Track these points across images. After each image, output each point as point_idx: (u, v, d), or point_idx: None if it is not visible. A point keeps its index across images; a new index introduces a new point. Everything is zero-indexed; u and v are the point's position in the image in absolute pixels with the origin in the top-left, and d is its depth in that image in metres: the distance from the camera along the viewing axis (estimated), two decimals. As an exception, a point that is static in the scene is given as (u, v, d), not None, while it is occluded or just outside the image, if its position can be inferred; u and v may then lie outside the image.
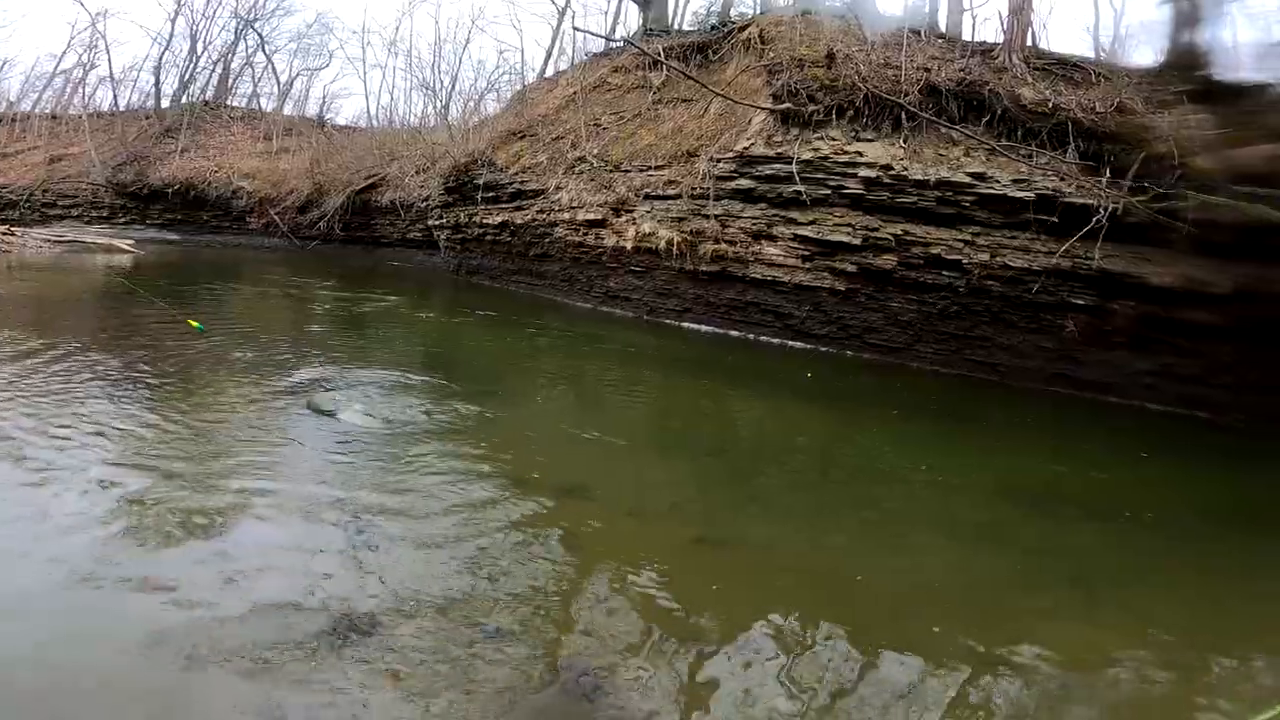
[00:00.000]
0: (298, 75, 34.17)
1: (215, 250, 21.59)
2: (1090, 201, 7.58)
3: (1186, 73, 8.87)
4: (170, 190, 24.36)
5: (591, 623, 2.55)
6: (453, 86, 26.98)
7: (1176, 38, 9.72)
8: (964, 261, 8.24)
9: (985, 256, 8.16)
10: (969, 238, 8.29)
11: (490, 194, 14.78)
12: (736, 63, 12.94)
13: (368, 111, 34.76)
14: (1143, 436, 6.54)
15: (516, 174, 14.44)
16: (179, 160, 25.13)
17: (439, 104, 25.79)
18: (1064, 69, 9.31)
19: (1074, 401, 7.61)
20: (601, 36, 18.59)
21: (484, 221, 15.04)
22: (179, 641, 2.19)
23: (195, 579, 2.57)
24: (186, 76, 29.78)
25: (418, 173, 19.95)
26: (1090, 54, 11.87)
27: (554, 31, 23.58)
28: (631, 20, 21.06)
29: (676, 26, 18.56)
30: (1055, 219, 7.80)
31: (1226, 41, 8.47)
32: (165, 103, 28.86)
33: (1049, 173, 7.93)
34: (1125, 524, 4.08)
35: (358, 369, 6.12)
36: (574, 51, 20.64)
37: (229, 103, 30.22)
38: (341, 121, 30.87)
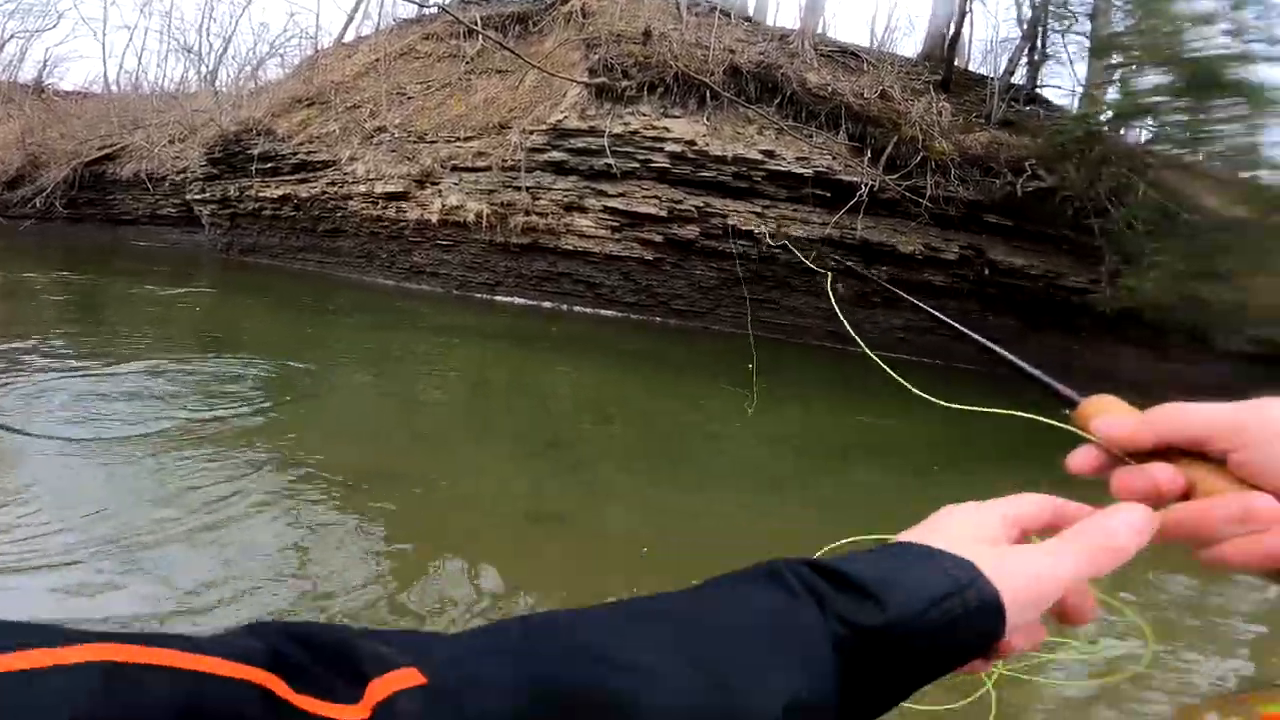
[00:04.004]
0: (11, 38, 30.94)
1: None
2: (855, 179, 9.82)
3: (935, 64, 11.73)
4: None
5: (430, 610, 2.73)
6: (225, 50, 25.96)
7: (932, 31, 12.73)
8: (755, 231, 10.15)
9: (773, 227, 10.13)
10: (760, 210, 10.22)
11: (268, 165, 14.73)
12: (556, 35, 14.34)
13: (105, 76, 31.99)
14: (904, 387, 8.47)
15: (302, 143, 14.59)
16: None
17: (204, 68, 24.72)
18: (844, 56, 11.78)
19: (848, 356, 9.72)
20: (415, 2, 19.18)
21: (260, 195, 14.93)
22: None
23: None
24: None
25: (171, 142, 19.21)
26: (867, 43, 14.87)
27: (360, -7, 23.61)
28: (445, -14, 21.84)
29: (499, -4, 19.79)
30: (829, 194, 9.94)
31: (965, 37, 11.44)
32: None
33: (824, 152, 10.12)
34: (909, 469, 5.08)
35: (111, 368, 5.83)
36: (380, 16, 21.06)
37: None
38: (67, 87, 28.54)
